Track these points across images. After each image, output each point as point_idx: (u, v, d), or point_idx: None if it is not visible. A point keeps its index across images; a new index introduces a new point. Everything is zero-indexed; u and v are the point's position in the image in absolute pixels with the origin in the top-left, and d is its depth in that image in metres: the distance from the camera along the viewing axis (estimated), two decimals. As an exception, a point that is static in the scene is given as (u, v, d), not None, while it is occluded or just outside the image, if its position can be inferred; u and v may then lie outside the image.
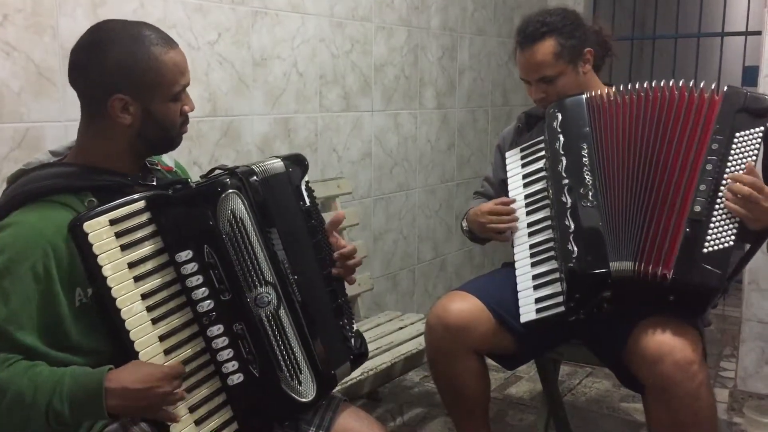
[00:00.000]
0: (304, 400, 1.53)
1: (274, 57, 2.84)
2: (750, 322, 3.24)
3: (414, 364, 2.77)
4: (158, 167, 1.66)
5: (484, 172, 2.61)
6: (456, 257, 4.15)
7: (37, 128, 2.12)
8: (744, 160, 1.90)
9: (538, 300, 2.05)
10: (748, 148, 1.91)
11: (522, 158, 2.24)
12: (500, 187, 2.34)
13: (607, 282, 1.95)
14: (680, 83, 2.01)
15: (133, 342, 1.39)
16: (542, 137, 2.17)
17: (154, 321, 1.41)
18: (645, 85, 2.06)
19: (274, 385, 1.49)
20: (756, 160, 1.91)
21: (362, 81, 3.29)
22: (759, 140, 1.92)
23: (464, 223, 2.38)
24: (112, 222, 1.38)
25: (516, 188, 2.22)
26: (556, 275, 2.03)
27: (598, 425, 3.02)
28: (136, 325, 1.39)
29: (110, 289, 1.36)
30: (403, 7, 3.47)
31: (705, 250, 1.86)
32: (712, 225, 1.88)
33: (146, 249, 1.42)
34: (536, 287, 2.07)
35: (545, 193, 2.12)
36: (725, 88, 1.97)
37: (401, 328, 2.98)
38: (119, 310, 1.37)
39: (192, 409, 1.44)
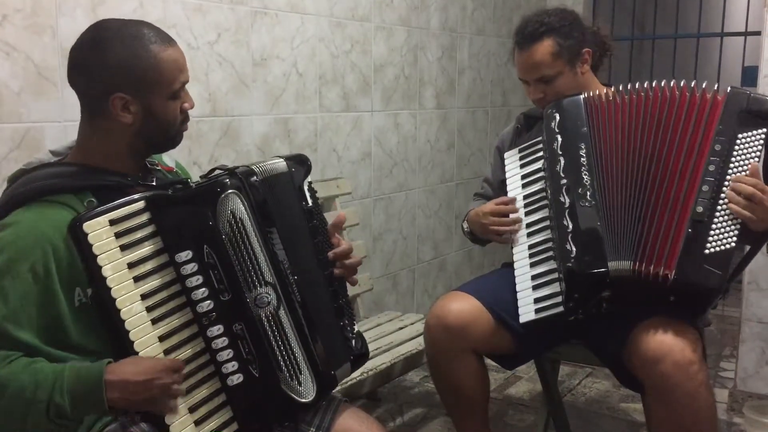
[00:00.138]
0: (303, 400, 1.53)
1: (274, 57, 2.83)
2: (750, 322, 3.24)
3: (414, 365, 2.77)
4: (158, 167, 1.66)
5: (483, 172, 2.61)
6: (456, 257, 4.15)
7: (37, 128, 2.12)
8: (746, 162, 1.90)
9: (537, 300, 2.05)
10: (750, 150, 1.91)
11: (520, 159, 2.24)
12: (500, 188, 2.34)
13: (605, 281, 1.95)
14: (681, 83, 2.01)
15: (132, 342, 1.38)
16: (540, 138, 2.17)
17: (154, 321, 1.41)
18: (645, 85, 2.06)
19: (274, 385, 1.49)
20: (758, 161, 1.91)
21: (362, 81, 3.29)
22: (761, 142, 1.92)
23: (465, 225, 2.38)
24: (112, 222, 1.38)
25: (515, 189, 2.22)
26: (555, 275, 2.03)
27: (597, 425, 3.02)
28: (136, 325, 1.39)
29: (110, 289, 1.36)
30: (402, 7, 3.47)
31: (707, 251, 1.86)
32: (714, 226, 1.87)
33: (146, 249, 1.42)
34: (535, 287, 2.07)
35: (544, 194, 2.12)
36: (728, 89, 1.97)
37: (401, 329, 2.98)
38: (119, 310, 1.37)
39: (192, 410, 1.43)
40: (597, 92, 2.12)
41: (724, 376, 3.49)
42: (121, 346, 1.39)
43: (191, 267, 1.43)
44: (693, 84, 2.00)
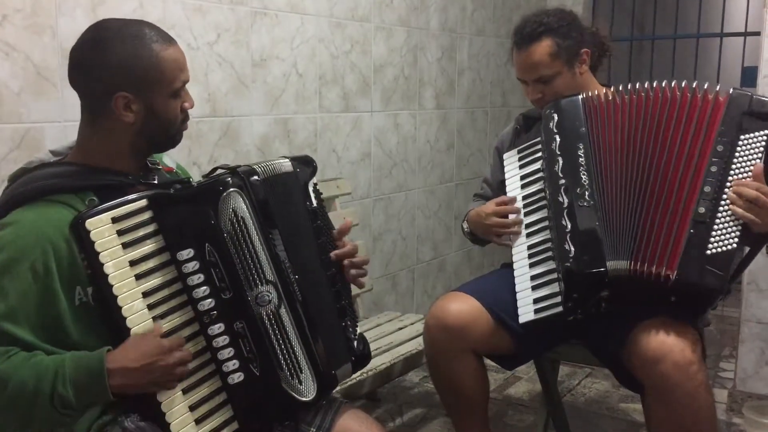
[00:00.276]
0: (304, 399, 1.53)
1: (274, 57, 2.83)
2: (749, 323, 3.24)
3: (413, 365, 2.77)
4: (159, 167, 1.66)
5: (483, 173, 2.61)
6: (455, 257, 4.15)
7: (37, 129, 2.12)
8: (748, 163, 1.90)
9: (536, 300, 2.05)
10: (752, 151, 1.91)
11: (519, 159, 2.24)
12: (499, 188, 2.34)
13: (604, 281, 1.95)
14: (682, 84, 2.01)
15: (134, 340, 1.39)
16: (539, 138, 2.17)
17: (155, 319, 1.41)
18: (645, 85, 2.06)
19: (275, 383, 1.49)
20: (760, 163, 1.91)
21: (362, 81, 3.29)
22: (763, 143, 1.91)
23: (465, 225, 2.38)
24: (114, 220, 1.39)
25: (514, 189, 2.22)
26: (554, 275, 2.03)
27: (597, 426, 3.02)
28: (137, 323, 1.39)
29: (111, 286, 1.37)
30: (402, 8, 3.48)
31: (709, 252, 1.86)
32: (716, 227, 1.87)
33: (148, 247, 1.42)
34: (534, 287, 2.07)
35: (543, 194, 2.12)
36: (731, 91, 1.97)
37: (401, 329, 2.98)
38: (120, 307, 1.38)
39: (192, 408, 1.44)
40: (596, 92, 2.12)
41: (724, 377, 3.49)
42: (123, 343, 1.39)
43: (192, 265, 1.44)
44: (694, 85, 2.00)
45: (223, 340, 1.46)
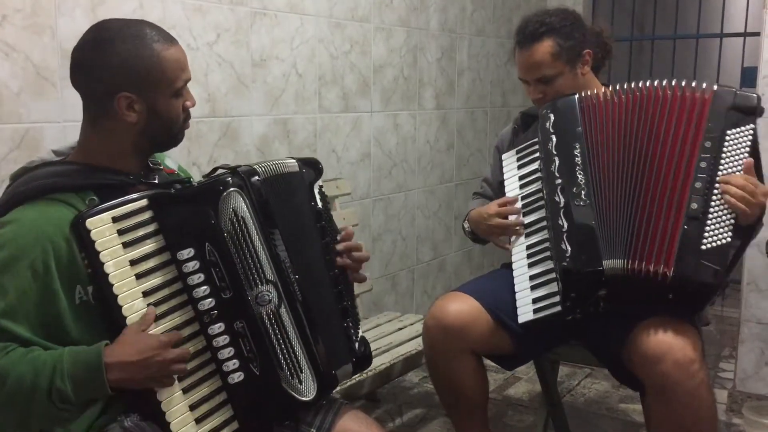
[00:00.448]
0: (304, 398, 1.53)
1: (273, 58, 2.84)
2: (749, 323, 3.25)
3: (413, 365, 2.77)
4: (161, 168, 1.66)
5: (483, 173, 2.61)
6: (455, 258, 4.15)
7: (36, 129, 2.12)
8: (736, 158, 1.92)
9: (535, 300, 2.06)
10: (739, 146, 1.93)
11: (518, 160, 2.25)
12: (499, 188, 2.35)
13: (601, 280, 1.96)
14: (672, 83, 2.02)
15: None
16: (536, 138, 2.18)
17: (156, 319, 1.41)
18: (640, 84, 2.06)
19: (275, 383, 1.49)
20: (748, 156, 1.93)
21: (361, 82, 3.29)
22: (750, 137, 1.94)
23: (466, 224, 2.38)
24: (115, 219, 1.39)
25: (513, 190, 2.22)
26: (552, 275, 2.04)
27: (597, 426, 3.02)
28: (137, 322, 1.39)
29: (112, 286, 1.37)
30: (402, 8, 3.48)
31: (704, 247, 1.87)
32: (709, 222, 1.89)
33: (148, 247, 1.42)
34: (533, 287, 2.07)
35: (541, 194, 2.13)
36: (714, 87, 1.99)
37: (400, 329, 2.98)
38: (121, 307, 1.38)
39: (192, 407, 1.44)
40: (594, 92, 2.12)
41: (724, 377, 3.49)
42: None
43: (193, 265, 1.44)
44: (683, 83, 2.01)
45: (223, 339, 1.46)
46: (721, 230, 1.88)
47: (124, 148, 1.52)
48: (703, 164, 1.92)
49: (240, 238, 1.47)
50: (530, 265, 2.10)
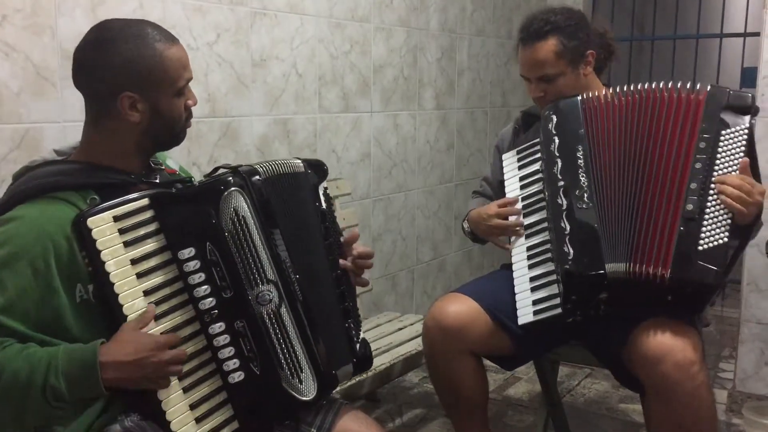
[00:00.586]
0: (304, 398, 1.53)
1: (273, 58, 2.83)
2: (749, 323, 3.25)
3: (413, 365, 2.77)
4: (162, 168, 1.66)
5: (483, 173, 2.61)
6: (455, 258, 4.15)
7: (36, 129, 2.12)
8: (732, 157, 1.92)
9: (535, 302, 2.05)
10: (735, 145, 1.94)
11: (518, 160, 2.24)
12: (499, 187, 2.34)
13: (603, 283, 1.96)
14: (669, 84, 2.02)
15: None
16: (538, 139, 2.17)
17: (156, 318, 1.42)
18: (639, 86, 2.06)
19: (275, 383, 1.49)
20: (743, 156, 1.93)
21: (361, 82, 3.29)
22: (745, 137, 1.94)
23: (465, 224, 2.38)
24: (116, 218, 1.39)
25: (513, 190, 2.22)
26: (553, 277, 2.03)
27: (596, 426, 3.02)
28: (134, 321, 1.39)
29: (113, 285, 1.38)
30: (402, 8, 3.48)
31: (700, 248, 1.87)
32: (705, 222, 1.89)
33: (149, 246, 1.43)
34: (533, 289, 2.07)
35: (541, 195, 2.13)
36: (708, 88, 1.99)
37: (400, 329, 2.98)
38: (121, 306, 1.39)
39: (192, 407, 1.44)
40: (596, 93, 2.12)
41: (724, 377, 3.49)
42: None
43: (194, 264, 1.44)
44: (679, 85, 2.01)
45: (223, 339, 1.46)
46: (717, 231, 1.88)
47: (126, 148, 1.52)
48: (698, 165, 1.92)
49: (241, 237, 1.47)
50: (530, 267, 2.10)
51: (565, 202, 2.02)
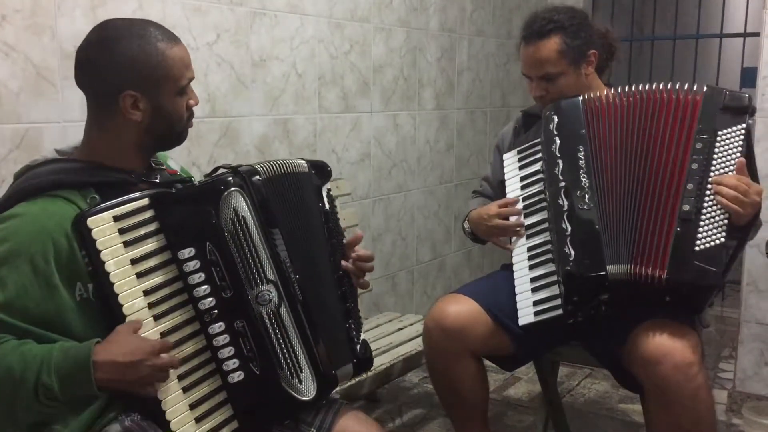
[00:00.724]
0: (304, 398, 1.53)
1: (273, 58, 2.83)
2: (748, 324, 3.24)
3: (413, 365, 2.77)
4: (163, 168, 1.67)
5: (482, 173, 2.61)
6: (455, 258, 4.15)
7: (36, 129, 2.12)
8: (729, 158, 1.93)
9: (536, 303, 2.05)
10: (731, 146, 1.94)
11: (519, 160, 2.24)
12: (499, 187, 2.34)
13: (604, 285, 1.95)
14: (668, 85, 2.03)
15: (134, 338, 1.38)
16: (539, 139, 2.17)
17: (156, 318, 1.42)
18: (640, 87, 2.06)
19: (275, 382, 1.49)
20: (740, 156, 1.93)
21: (361, 82, 3.29)
22: (742, 137, 1.94)
23: (466, 225, 2.37)
24: (116, 218, 1.39)
25: (514, 190, 2.22)
26: (554, 278, 2.03)
27: (596, 426, 3.02)
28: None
29: (113, 284, 1.38)
30: (401, 8, 3.48)
31: (697, 248, 1.87)
32: (702, 223, 1.89)
33: (149, 246, 1.43)
34: (534, 290, 2.07)
35: (542, 196, 2.12)
36: (704, 88, 1.99)
37: (400, 329, 2.98)
38: (121, 305, 1.39)
39: (192, 407, 1.44)
40: (597, 94, 2.11)
41: (723, 377, 3.49)
42: None
43: (193, 264, 1.44)
44: (677, 86, 2.01)
45: (223, 339, 1.46)
46: (714, 231, 1.88)
47: (128, 147, 1.53)
48: (694, 166, 1.93)
49: (241, 237, 1.47)
50: (531, 267, 2.10)
51: (566, 203, 2.02)
